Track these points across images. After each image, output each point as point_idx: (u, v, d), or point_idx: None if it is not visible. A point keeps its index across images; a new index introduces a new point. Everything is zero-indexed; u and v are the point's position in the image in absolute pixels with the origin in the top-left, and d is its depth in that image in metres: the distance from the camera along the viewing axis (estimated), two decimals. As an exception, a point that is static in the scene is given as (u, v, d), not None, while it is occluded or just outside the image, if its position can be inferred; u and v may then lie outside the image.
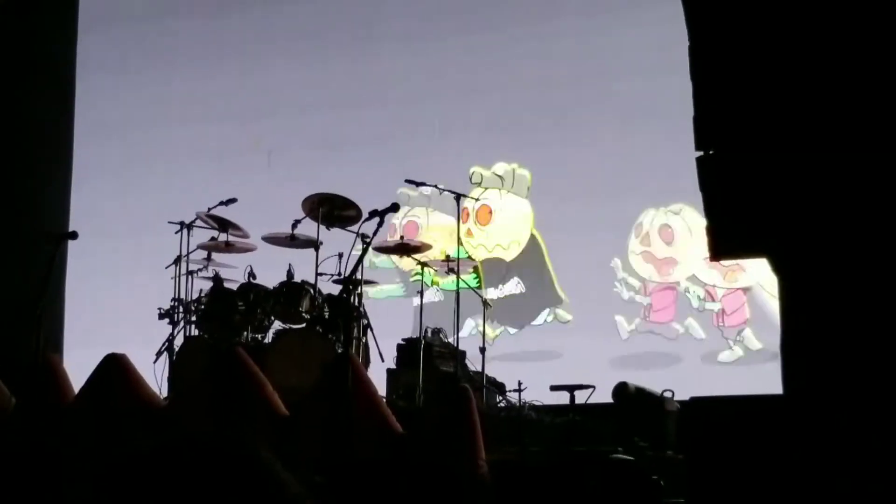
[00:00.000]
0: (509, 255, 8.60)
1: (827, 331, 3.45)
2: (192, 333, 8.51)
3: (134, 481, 2.27)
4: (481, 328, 8.46)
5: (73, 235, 7.67)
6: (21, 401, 7.09)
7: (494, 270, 9.28)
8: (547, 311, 8.90)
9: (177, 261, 8.79)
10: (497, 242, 8.96)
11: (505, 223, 8.90)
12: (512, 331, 8.99)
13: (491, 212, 9.13)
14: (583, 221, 8.90)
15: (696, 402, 3.78)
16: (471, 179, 9.41)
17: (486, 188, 9.05)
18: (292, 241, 8.50)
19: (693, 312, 8.86)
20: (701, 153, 3.65)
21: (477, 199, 8.72)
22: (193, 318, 8.51)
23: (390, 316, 9.26)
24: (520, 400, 8.07)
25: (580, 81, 9.21)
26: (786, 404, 3.52)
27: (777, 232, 3.53)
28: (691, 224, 8.86)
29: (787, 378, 3.55)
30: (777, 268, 3.64)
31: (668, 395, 7.11)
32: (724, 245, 3.67)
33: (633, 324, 8.91)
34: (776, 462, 3.43)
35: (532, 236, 8.67)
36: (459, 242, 8.37)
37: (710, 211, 3.63)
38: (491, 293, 9.35)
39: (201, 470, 2.24)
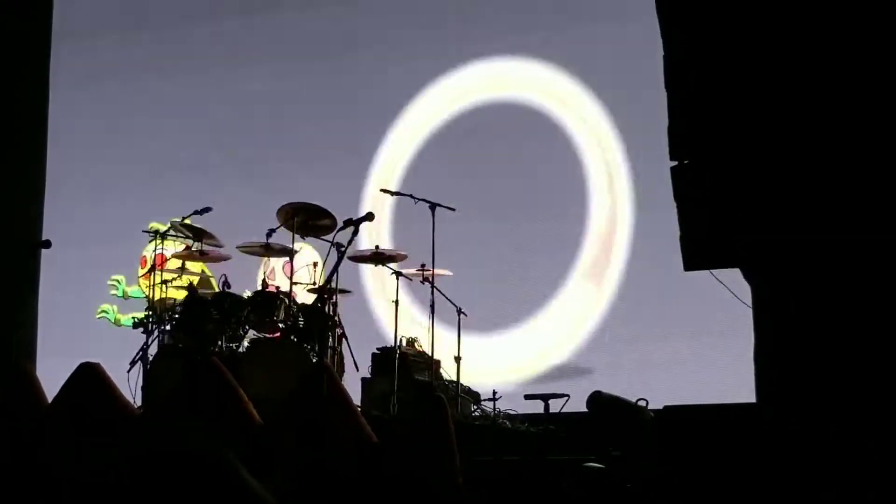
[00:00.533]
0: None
1: (798, 340, 3.48)
2: (167, 342, 8.49)
3: (107, 489, 2.28)
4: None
5: (47, 244, 7.65)
6: (-6, 410, 7.05)
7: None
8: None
9: (151, 270, 8.76)
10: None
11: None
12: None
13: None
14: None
15: (670, 410, 3.79)
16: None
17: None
18: (267, 250, 8.50)
19: None
20: (675, 163, 3.67)
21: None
22: (168, 328, 8.48)
23: (365, 325, 9.26)
24: (494, 409, 8.08)
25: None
26: (759, 412, 3.55)
27: (748, 242, 3.56)
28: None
29: (760, 387, 3.58)
30: (749, 278, 3.67)
31: (642, 403, 7.13)
32: (696, 256, 3.69)
33: None
34: (749, 469, 3.46)
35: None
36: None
37: (683, 221, 3.65)
38: None
39: (170, 477, 2.26)
